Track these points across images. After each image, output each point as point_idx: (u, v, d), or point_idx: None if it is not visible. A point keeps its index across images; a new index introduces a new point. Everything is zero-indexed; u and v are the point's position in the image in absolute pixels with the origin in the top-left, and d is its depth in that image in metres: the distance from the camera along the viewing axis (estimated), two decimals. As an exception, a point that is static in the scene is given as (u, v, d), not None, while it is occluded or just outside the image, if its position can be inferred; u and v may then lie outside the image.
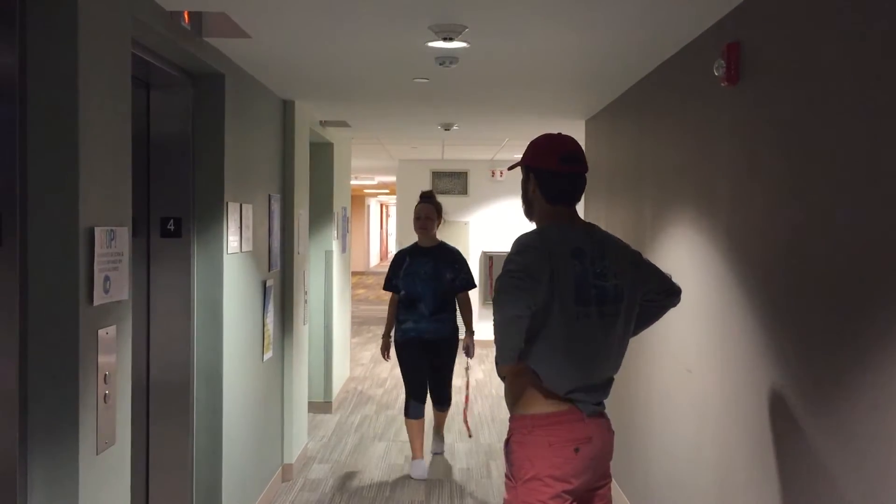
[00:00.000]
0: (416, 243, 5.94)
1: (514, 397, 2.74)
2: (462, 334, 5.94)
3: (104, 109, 2.74)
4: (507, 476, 2.74)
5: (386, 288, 5.96)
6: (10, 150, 2.47)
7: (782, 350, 2.75)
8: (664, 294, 2.89)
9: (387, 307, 6.11)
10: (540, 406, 2.66)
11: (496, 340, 2.64)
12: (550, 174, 2.77)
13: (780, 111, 2.82)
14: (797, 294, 2.66)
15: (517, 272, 2.61)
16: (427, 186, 14.23)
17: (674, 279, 2.91)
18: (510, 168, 2.97)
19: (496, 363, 2.73)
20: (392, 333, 5.93)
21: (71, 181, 2.53)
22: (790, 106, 2.74)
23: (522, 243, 2.71)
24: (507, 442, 2.74)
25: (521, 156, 2.87)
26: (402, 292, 5.79)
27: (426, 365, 5.85)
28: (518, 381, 2.70)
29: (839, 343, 2.37)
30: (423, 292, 5.73)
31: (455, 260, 5.86)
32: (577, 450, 2.64)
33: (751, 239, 3.07)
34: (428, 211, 5.86)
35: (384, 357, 6.02)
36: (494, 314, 2.62)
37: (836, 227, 2.40)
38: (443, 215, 5.95)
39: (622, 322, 2.75)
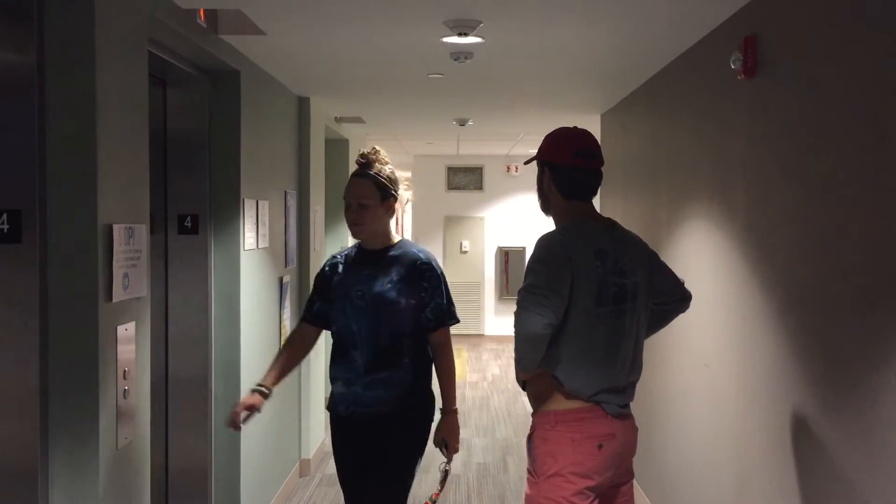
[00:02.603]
0: (359, 243, 3.29)
1: (536, 395, 2.72)
2: (432, 409, 3.25)
3: (121, 107, 2.75)
4: (528, 471, 2.73)
5: (304, 317, 3.37)
6: (29, 148, 2.49)
7: (800, 346, 2.74)
8: (677, 300, 2.87)
9: None
10: (563, 403, 2.64)
11: (517, 352, 2.62)
12: (566, 169, 2.75)
13: (797, 104, 2.81)
14: (816, 290, 2.64)
15: (540, 288, 2.56)
16: (442, 182, 12.34)
17: (690, 278, 2.89)
18: (526, 162, 2.95)
19: (516, 369, 2.71)
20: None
21: (89, 179, 2.55)
22: (807, 99, 2.72)
23: (544, 247, 2.66)
24: (530, 437, 2.73)
25: (537, 150, 2.87)
26: (333, 328, 3.25)
27: (361, 462, 3.20)
28: (540, 380, 2.69)
29: (858, 340, 2.35)
30: (358, 331, 3.15)
31: (421, 274, 3.16)
32: (600, 446, 2.62)
33: (769, 234, 3.05)
34: (361, 191, 3.15)
35: (229, 424, 3.18)
36: (516, 327, 2.58)
37: (855, 223, 2.39)
38: (396, 195, 3.21)
39: (638, 320, 2.73)
